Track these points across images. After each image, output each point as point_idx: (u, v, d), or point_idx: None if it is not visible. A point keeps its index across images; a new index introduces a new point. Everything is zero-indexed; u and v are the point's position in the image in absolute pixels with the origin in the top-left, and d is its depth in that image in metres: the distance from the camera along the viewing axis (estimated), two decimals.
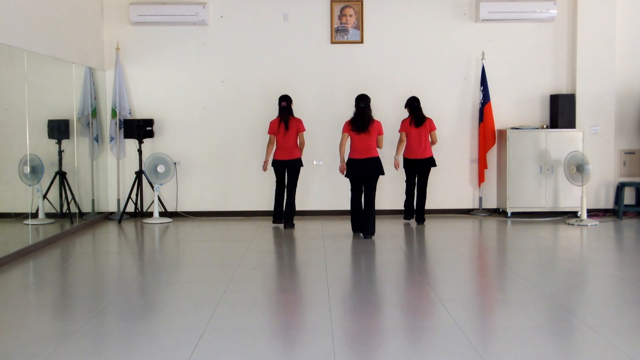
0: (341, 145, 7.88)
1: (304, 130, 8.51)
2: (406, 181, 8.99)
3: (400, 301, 5.51)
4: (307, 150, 9.05)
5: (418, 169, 8.82)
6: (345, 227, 8.71)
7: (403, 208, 9.14)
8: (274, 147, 8.54)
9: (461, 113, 9.67)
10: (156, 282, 6.11)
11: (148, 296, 5.68)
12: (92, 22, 9.21)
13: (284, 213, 8.56)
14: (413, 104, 8.77)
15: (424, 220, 8.90)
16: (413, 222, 8.98)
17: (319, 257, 7.00)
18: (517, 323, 4.77)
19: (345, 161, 7.86)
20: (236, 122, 9.53)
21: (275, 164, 8.51)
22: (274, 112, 9.11)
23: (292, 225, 8.56)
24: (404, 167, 8.86)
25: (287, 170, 8.51)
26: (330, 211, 9.53)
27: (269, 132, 8.55)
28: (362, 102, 7.74)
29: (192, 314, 4.94)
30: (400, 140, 8.79)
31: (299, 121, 8.51)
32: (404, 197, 9.10)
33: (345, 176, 7.88)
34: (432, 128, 8.76)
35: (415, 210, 8.95)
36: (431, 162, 8.80)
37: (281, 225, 8.63)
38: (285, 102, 8.49)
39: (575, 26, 9.48)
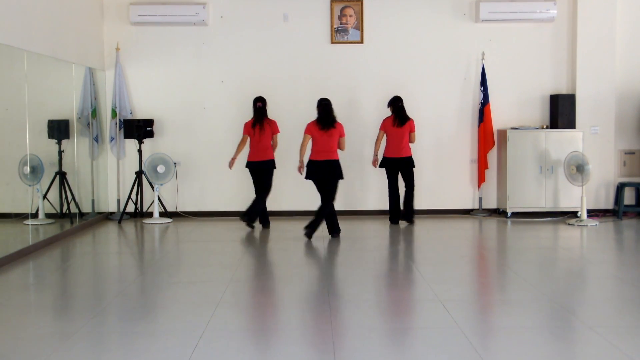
0: (302, 146, 7.84)
1: (279, 132, 8.45)
2: (389, 184, 8.78)
3: (400, 301, 5.51)
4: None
5: (400, 168, 8.69)
6: (345, 227, 8.71)
7: (388, 210, 8.92)
8: (244, 146, 8.49)
9: (461, 113, 9.67)
10: (156, 282, 6.12)
11: (148, 296, 5.68)
12: (92, 22, 9.21)
13: (260, 214, 8.54)
14: (397, 104, 8.66)
15: (413, 219, 8.78)
16: (403, 222, 8.86)
17: (319, 257, 7.00)
18: (517, 323, 4.77)
19: (306, 163, 7.83)
20: (236, 122, 9.51)
21: (249, 165, 8.45)
22: (272, 112, 9.11)
23: (253, 226, 8.55)
24: (385, 167, 8.73)
25: (261, 171, 8.44)
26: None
27: (243, 133, 8.49)
28: (324, 101, 7.85)
29: (192, 314, 4.94)
30: (377, 139, 8.74)
31: (274, 123, 8.44)
32: (388, 200, 8.94)
33: (306, 178, 7.81)
34: (412, 129, 8.66)
35: (403, 209, 8.81)
36: (411, 162, 8.68)
37: (258, 226, 8.57)
38: (260, 103, 8.42)
39: (575, 26, 9.49)
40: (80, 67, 8.91)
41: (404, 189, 8.81)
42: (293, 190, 9.41)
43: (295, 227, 8.57)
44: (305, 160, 7.88)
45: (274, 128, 8.43)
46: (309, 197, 8.43)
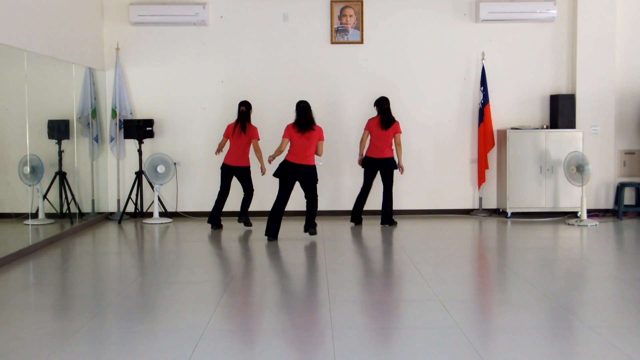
0: (279, 150, 7.76)
1: (258, 138, 8.37)
2: (363, 183, 8.73)
3: (400, 301, 5.51)
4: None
5: (379, 169, 8.61)
6: (345, 227, 8.72)
7: (352, 209, 8.85)
8: (224, 147, 8.54)
9: (461, 113, 9.67)
10: (156, 282, 6.11)
11: (148, 296, 5.68)
12: (92, 22, 9.22)
13: (241, 212, 8.60)
14: (383, 106, 8.56)
15: (392, 221, 8.73)
16: (385, 225, 8.76)
17: (319, 257, 7.00)
18: (517, 323, 4.77)
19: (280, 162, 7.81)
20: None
21: (223, 167, 8.47)
22: (272, 113, 9.14)
23: (250, 224, 8.63)
24: (364, 165, 8.69)
25: (237, 178, 8.49)
26: (332, 211, 9.52)
27: (223, 135, 8.50)
28: (302, 103, 7.75)
29: (192, 315, 4.94)
30: (362, 139, 8.69)
31: (254, 129, 8.37)
32: (372, 198, 8.92)
33: (274, 175, 7.78)
34: (397, 131, 8.57)
35: (382, 211, 8.74)
36: (391, 163, 8.60)
37: (217, 230, 8.54)
38: (244, 107, 8.37)
39: (575, 26, 9.49)
40: (80, 67, 8.91)
41: (382, 190, 8.71)
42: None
43: (293, 228, 8.57)
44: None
45: (252, 134, 8.35)
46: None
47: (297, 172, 7.67)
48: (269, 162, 7.94)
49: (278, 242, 7.77)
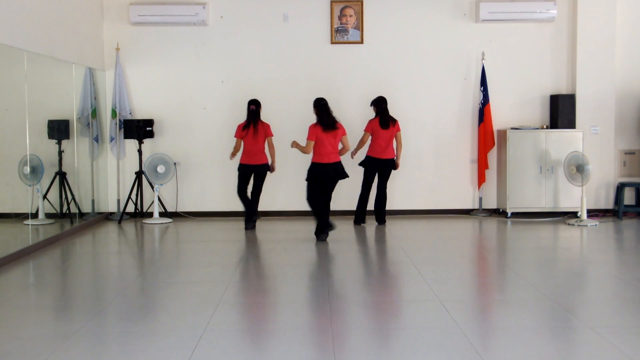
0: (306, 152, 7.66)
1: (272, 135, 8.39)
2: (364, 183, 8.71)
3: (400, 301, 5.52)
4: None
5: (381, 169, 8.62)
6: (345, 227, 8.71)
7: (355, 210, 8.85)
8: (240, 149, 8.46)
9: (461, 113, 9.67)
10: (156, 282, 6.12)
11: (148, 296, 5.68)
12: (92, 22, 9.22)
13: (254, 217, 8.54)
14: (381, 106, 8.55)
15: (384, 221, 8.79)
16: (375, 223, 8.81)
17: (318, 257, 7.00)
18: (517, 323, 4.77)
19: (309, 166, 7.73)
20: (236, 122, 9.49)
21: (242, 168, 8.39)
22: (272, 113, 9.13)
23: (254, 227, 8.56)
24: (367, 165, 8.65)
25: (254, 175, 8.43)
26: (331, 211, 9.51)
27: (235, 136, 8.45)
28: (322, 101, 7.70)
29: (192, 315, 4.94)
30: (362, 140, 8.65)
31: (267, 126, 8.38)
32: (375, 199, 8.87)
33: (310, 180, 7.69)
34: (398, 129, 8.60)
35: (379, 212, 8.77)
36: (392, 164, 8.61)
37: (250, 231, 8.52)
38: (254, 106, 8.36)
39: (575, 26, 9.49)
40: (80, 67, 8.91)
41: (377, 190, 8.73)
42: (288, 191, 9.43)
43: (293, 228, 8.58)
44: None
45: (267, 131, 8.36)
46: (304, 198, 8.34)
47: (333, 172, 7.64)
48: (291, 146, 7.77)
49: (278, 242, 7.78)
